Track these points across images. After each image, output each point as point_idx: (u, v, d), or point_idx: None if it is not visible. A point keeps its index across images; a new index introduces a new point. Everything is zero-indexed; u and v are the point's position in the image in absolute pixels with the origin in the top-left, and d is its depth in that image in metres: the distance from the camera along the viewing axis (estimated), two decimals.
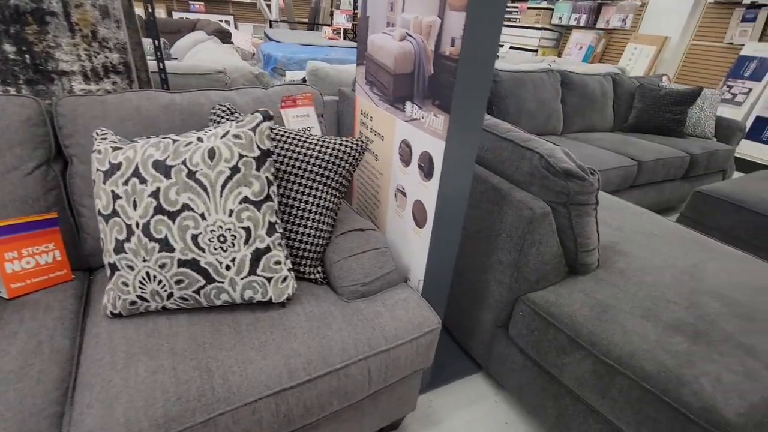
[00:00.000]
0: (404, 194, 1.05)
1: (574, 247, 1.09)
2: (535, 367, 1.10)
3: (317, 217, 0.97)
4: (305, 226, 0.96)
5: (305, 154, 0.97)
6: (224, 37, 4.66)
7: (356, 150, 1.00)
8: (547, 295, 1.08)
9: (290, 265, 0.89)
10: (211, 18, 6.76)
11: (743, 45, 3.94)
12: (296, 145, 0.97)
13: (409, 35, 0.90)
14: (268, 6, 7.22)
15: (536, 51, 5.79)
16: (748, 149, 3.76)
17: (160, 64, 1.43)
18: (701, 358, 0.85)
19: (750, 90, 3.79)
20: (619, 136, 2.65)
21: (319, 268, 1.00)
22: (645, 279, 1.14)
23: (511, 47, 6.16)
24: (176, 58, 2.77)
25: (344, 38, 8.34)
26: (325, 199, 0.98)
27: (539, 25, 5.65)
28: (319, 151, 0.98)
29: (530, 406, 1.14)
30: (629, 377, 0.85)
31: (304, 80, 2.27)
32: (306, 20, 7.42)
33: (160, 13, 6.77)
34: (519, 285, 1.09)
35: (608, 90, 2.78)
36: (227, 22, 7.45)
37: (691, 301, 1.05)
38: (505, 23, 6.22)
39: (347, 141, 1.01)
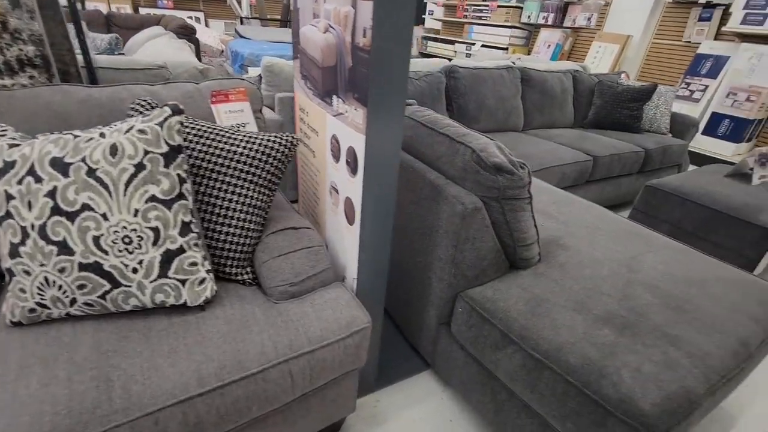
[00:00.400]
0: (337, 191, 1.02)
1: (512, 242, 1.09)
2: (474, 363, 1.09)
3: (243, 215, 0.93)
4: (230, 226, 0.92)
5: (229, 151, 0.93)
6: (188, 33, 4.52)
7: (285, 146, 0.97)
8: (485, 290, 1.08)
9: (209, 267, 0.85)
10: (179, 14, 6.57)
11: (700, 43, 4.08)
12: (219, 141, 0.93)
13: (331, 26, 0.87)
14: (239, 2, 7.07)
15: (507, 49, 5.85)
16: (704, 144, 3.89)
17: (86, 57, 1.36)
18: (625, 350, 0.86)
19: (706, 87, 3.93)
20: (578, 132, 2.70)
21: (248, 269, 0.96)
22: (583, 272, 1.14)
23: (482, 46, 6.21)
24: (123, 53, 2.66)
25: None
26: (251, 197, 0.94)
27: (509, 24, 5.71)
28: (245, 148, 0.94)
29: (473, 402, 1.14)
30: (555, 371, 0.85)
31: (260, 77, 2.21)
32: (278, 17, 7.29)
33: (126, 8, 6.53)
34: (458, 281, 1.08)
35: (568, 87, 2.83)
36: (197, 18, 7.25)
37: (624, 293, 1.06)
38: (476, 21, 6.27)
39: (275, 137, 0.97)
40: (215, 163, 0.92)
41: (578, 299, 1.02)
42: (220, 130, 0.96)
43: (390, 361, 1.37)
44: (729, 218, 1.75)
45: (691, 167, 3.02)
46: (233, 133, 0.96)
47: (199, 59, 4.69)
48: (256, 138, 0.96)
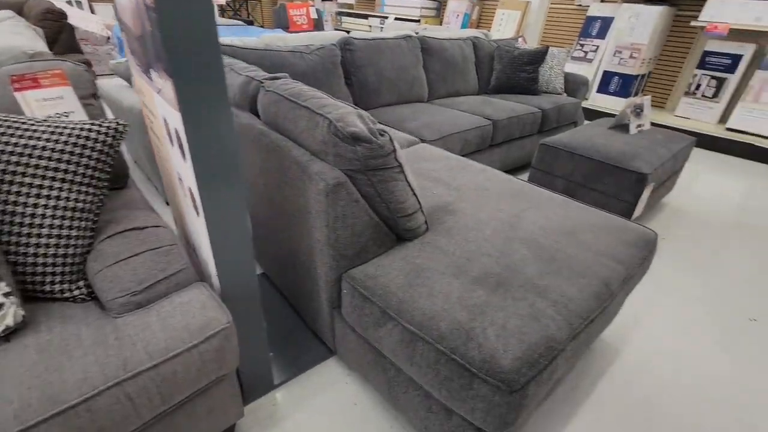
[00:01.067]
0: (181, 180, 0.90)
1: (390, 214, 1.04)
2: (365, 343, 1.05)
3: (58, 222, 0.78)
4: (39, 236, 0.77)
5: (26, 146, 0.76)
6: (56, 19, 3.91)
7: (106, 134, 0.82)
8: (368, 268, 1.03)
9: (10, 289, 0.70)
10: None
11: (589, 6, 4.34)
12: (14, 136, 0.76)
13: None
14: None
15: (419, 20, 5.83)
16: (600, 101, 4.20)
17: None
18: (494, 308, 0.86)
19: (597, 47, 4.21)
20: (482, 98, 2.75)
21: (80, 283, 0.82)
22: (468, 235, 1.14)
23: (396, 18, 6.13)
24: None
25: (221, 15, 7.62)
26: (66, 198, 0.79)
27: None
28: (48, 140, 0.78)
29: (372, 382, 1.11)
30: (426, 341, 0.83)
31: None
32: None
33: None
34: (339, 262, 1.02)
35: (469, 54, 2.85)
36: (78, 2, 6.34)
37: (503, 251, 1.07)
38: None
39: (92, 124, 0.82)
40: (8, 163, 0.75)
41: (459, 264, 1.02)
42: (14, 122, 0.78)
43: (295, 352, 1.30)
44: (610, 167, 1.88)
45: (587, 123, 3.23)
46: (32, 125, 0.79)
47: (77, 49, 4.11)
48: (64, 128, 0.80)
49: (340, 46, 2.23)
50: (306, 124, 0.99)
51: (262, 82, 1.21)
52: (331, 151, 0.93)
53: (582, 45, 4.32)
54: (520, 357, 0.75)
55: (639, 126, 2.25)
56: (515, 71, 2.89)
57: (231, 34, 3.77)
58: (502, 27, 4.96)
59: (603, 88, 4.15)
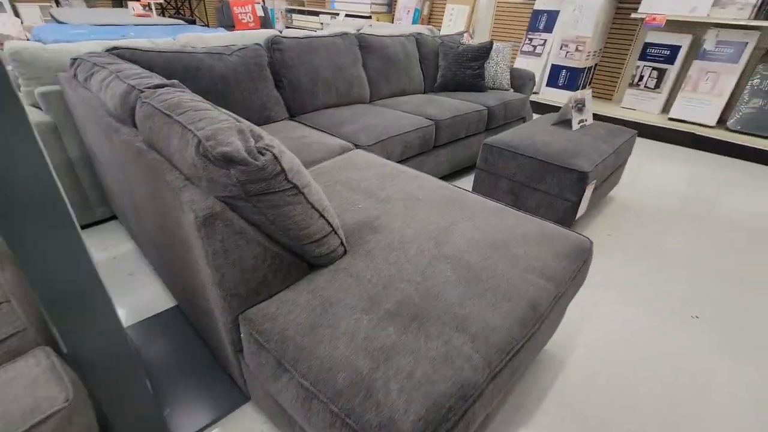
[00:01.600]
0: None
1: (291, 242, 0.90)
2: (269, 394, 0.91)
3: None
4: None
5: None
6: None
7: None
8: (269, 306, 0.88)
9: None
10: None
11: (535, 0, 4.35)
12: None
13: None
14: None
15: (370, 17, 5.68)
16: (549, 95, 4.22)
17: None
18: (403, 351, 0.74)
19: (545, 41, 4.22)
20: (427, 97, 2.65)
21: None
22: (390, 257, 1.02)
23: (346, 15, 5.96)
24: None
25: (162, 14, 7.17)
26: None
27: None
28: None
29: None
30: (321, 400, 0.70)
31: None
32: None
33: None
34: (230, 303, 0.87)
35: (411, 51, 2.74)
36: None
37: (425, 274, 0.96)
38: None
39: None
40: None
41: (373, 294, 0.89)
42: None
43: (209, 398, 1.13)
44: (552, 166, 1.82)
45: (536, 117, 3.21)
46: None
47: None
48: None
49: (267, 46, 2.06)
50: (178, 142, 0.83)
51: (142, 92, 1.04)
52: (203, 176, 0.77)
53: (531, 39, 4.33)
54: (423, 417, 0.63)
55: (581, 121, 2.22)
56: (460, 68, 2.81)
57: (166, 34, 3.49)
58: (452, 22, 4.90)
59: (552, 82, 4.17)
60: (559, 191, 1.83)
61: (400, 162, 2.09)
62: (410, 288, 0.91)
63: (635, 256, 1.88)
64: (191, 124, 0.81)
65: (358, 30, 2.77)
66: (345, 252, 1.06)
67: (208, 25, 7.58)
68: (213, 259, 0.79)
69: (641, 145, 3.49)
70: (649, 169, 2.95)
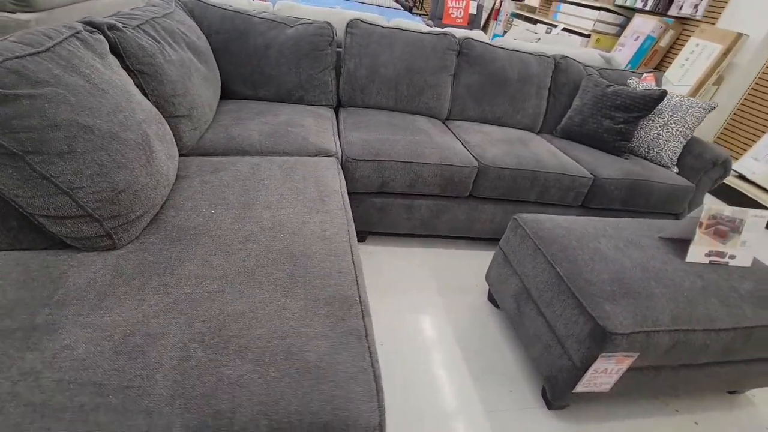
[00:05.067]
0: None
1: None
2: None
3: None
4: None
5: None
6: None
7: None
8: None
9: None
10: None
11: None
12: None
13: None
14: None
15: (589, 36, 4.72)
16: None
17: None
18: None
19: None
20: (526, 135, 2.01)
21: None
22: (156, 272, 0.81)
23: (564, 29, 5.12)
24: None
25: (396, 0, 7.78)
26: None
27: (597, 5, 4.55)
28: None
29: None
30: None
31: None
32: None
33: None
34: None
35: (539, 75, 2.10)
36: None
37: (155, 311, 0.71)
38: None
39: None
40: None
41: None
42: None
43: None
44: (573, 299, 1.10)
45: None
46: None
47: None
48: None
49: (342, 28, 1.93)
50: None
51: None
52: None
53: None
54: None
55: (715, 255, 1.26)
56: (596, 114, 2.01)
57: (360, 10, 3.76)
58: (689, 63, 3.56)
59: None
60: (566, 335, 1.11)
61: (406, 195, 1.67)
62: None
63: None
64: None
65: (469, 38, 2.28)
66: (114, 245, 0.90)
67: (425, 14, 7.87)
68: None
69: None
70: None
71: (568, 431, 1.20)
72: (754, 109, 3.43)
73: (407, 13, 5.93)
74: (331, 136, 1.63)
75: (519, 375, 1.34)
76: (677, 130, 1.95)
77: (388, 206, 1.67)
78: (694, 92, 3.48)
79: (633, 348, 1.02)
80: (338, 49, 1.97)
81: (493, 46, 2.06)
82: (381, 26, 1.94)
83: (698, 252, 1.26)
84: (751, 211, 1.25)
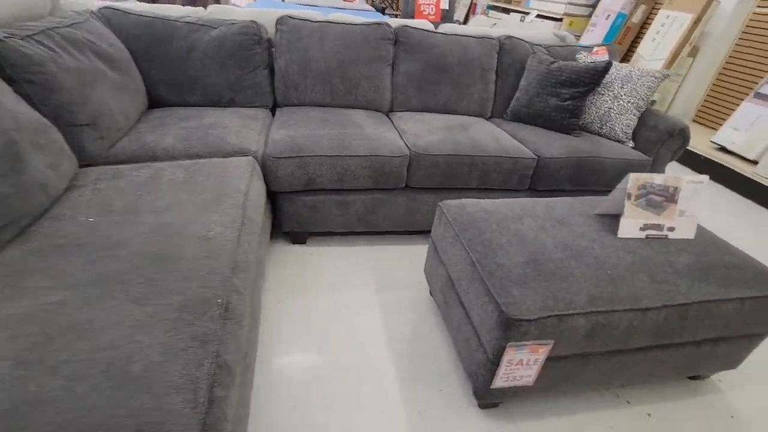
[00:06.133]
0: None
1: None
2: None
3: None
4: None
5: None
6: None
7: None
8: None
9: None
10: None
11: None
12: None
13: None
14: None
15: (561, 20, 4.61)
16: None
17: None
18: None
19: None
20: (471, 120, 1.93)
21: None
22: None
23: (538, 15, 5.02)
24: None
25: (371, 2, 7.77)
26: None
27: None
28: None
29: None
30: None
31: None
32: None
33: None
34: None
35: (481, 59, 2.02)
36: None
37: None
38: None
39: None
40: None
41: None
42: None
43: None
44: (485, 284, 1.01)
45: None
46: None
47: None
48: None
49: (276, 24, 1.87)
50: None
51: None
52: None
53: None
54: None
55: (652, 228, 1.16)
56: (542, 93, 1.91)
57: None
58: (660, 37, 3.44)
59: None
60: (480, 325, 1.02)
61: (337, 191, 1.60)
62: None
63: None
64: None
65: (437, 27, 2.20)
66: None
67: (399, 13, 7.83)
68: None
69: None
70: None
71: (501, 431, 1.10)
72: (732, 77, 3.30)
73: (379, 14, 5.90)
74: (255, 135, 1.57)
75: (451, 373, 1.25)
76: (628, 101, 1.85)
77: (320, 204, 1.60)
78: (668, 65, 3.36)
79: (545, 335, 0.92)
80: (275, 49, 1.92)
81: (430, 32, 1.99)
82: (311, 21, 1.88)
83: (631, 226, 1.16)
84: (686, 177, 1.15)
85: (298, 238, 1.73)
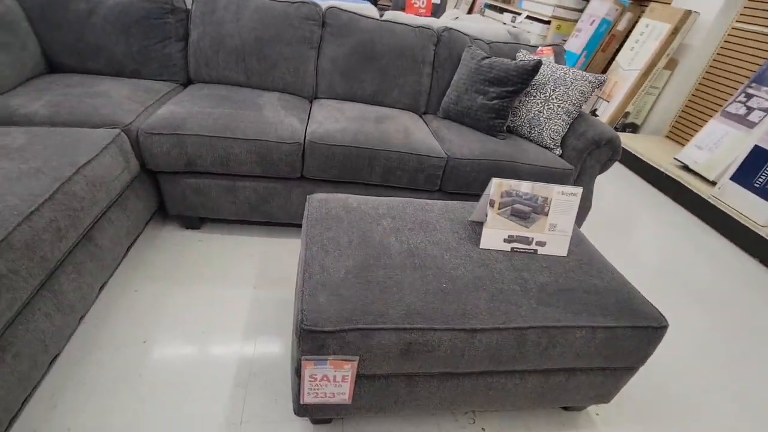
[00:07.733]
0: None
1: None
2: None
3: None
4: None
5: None
6: None
7: None
8: None
9: None
10: None
11: None
12: None
13: None
14: None
15: (549, 22, 4.45)
16: (732, 196, 2.34)
17: None
18: None
19: None
20: (386, 111, 1.81)
21: None
22: None
23: (528, 17, 4.86)
24: None
25: None
26: None
27: None
28: None
29: None
30: None
31: None
32: None
33: None
34: None
35: (410, 46, 1.89)
36: None
37: None
38: None
39: None
40: None
41: None
42: None
43: None
44: None
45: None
46: None
47: None
48: None
49: None
50: None
51: None
52: None
53: (749, 95, 2.48)
54: None
55: (518, 240, 1.04)
56: (470, 90, 1.79)
57: None
58: (639, 45, 3.29)
59: (745, 178, 2.29)
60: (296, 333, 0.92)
61: (224, 176, 1.49)
62: None
63: None
64: None
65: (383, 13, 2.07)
66: None
67: (389, 5, 7.62)
68: None
69: None
70: None
71: None
72: (708, 93, 3.14)
73: (369, 3, 5.76)
74: (139, 108, 1.46)
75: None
76: (559, 106, 1.72)
77: (206, 188, 1.50)
78: (644, 77, 3.21)
79: (347, 350, 0.81)
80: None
81: (361, 15, 1.87)
82: None
83: (494, 237, 1.04)
84: (557, 188, 1.03)
85: (190, 222, 1.63)
